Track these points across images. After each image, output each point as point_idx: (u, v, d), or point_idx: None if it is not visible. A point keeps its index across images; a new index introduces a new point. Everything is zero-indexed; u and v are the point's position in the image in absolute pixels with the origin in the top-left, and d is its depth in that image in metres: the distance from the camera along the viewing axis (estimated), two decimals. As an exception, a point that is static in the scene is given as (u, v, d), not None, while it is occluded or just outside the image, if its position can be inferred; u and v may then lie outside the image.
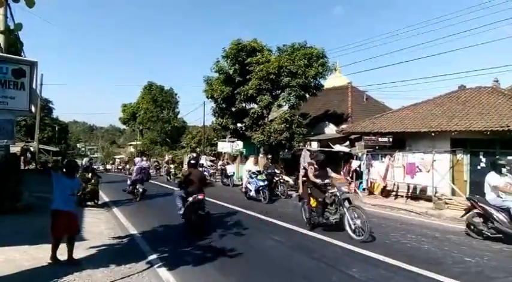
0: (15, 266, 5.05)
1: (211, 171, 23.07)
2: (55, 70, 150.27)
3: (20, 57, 7.12)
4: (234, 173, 20.24)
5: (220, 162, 24.84)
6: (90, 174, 11.99)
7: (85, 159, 16.12)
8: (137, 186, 13.35)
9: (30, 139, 30.29)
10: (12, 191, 9.51)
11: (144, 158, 20.07)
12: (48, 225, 5.27)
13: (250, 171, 13.83)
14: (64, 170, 5.60)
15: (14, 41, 8.67)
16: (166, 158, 28.85)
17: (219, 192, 15.62)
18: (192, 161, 8.52)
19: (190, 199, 7.57)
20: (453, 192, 12.43)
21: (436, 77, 41.01)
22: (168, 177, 23.87)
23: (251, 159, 15.45)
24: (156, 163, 34.04)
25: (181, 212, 7.88)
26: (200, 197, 7.55)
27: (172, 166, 24.66)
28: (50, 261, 5.15)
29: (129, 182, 14.06)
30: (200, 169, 12.09)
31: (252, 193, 13.16)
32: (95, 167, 18.38)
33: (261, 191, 12.84)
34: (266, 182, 13.11)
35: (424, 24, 77.09)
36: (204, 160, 24.12)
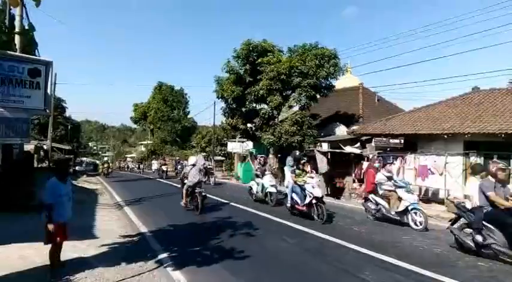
0: (29, 262, 5.16)
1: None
2: (68, 70, 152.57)
3: (36, 57, 7.24)
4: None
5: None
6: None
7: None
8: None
9: (44, 137, 30.80)
10: (26, 190, 9.69)
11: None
12: None
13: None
14: (56, 173, 4.76)
15: (29, 42, 8.84)
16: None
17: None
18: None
19: None
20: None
21: (449, 78, 40.34)
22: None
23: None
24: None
25: None
26: None
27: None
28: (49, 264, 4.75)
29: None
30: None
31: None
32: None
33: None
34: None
35: (438, 25, 76.04)
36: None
